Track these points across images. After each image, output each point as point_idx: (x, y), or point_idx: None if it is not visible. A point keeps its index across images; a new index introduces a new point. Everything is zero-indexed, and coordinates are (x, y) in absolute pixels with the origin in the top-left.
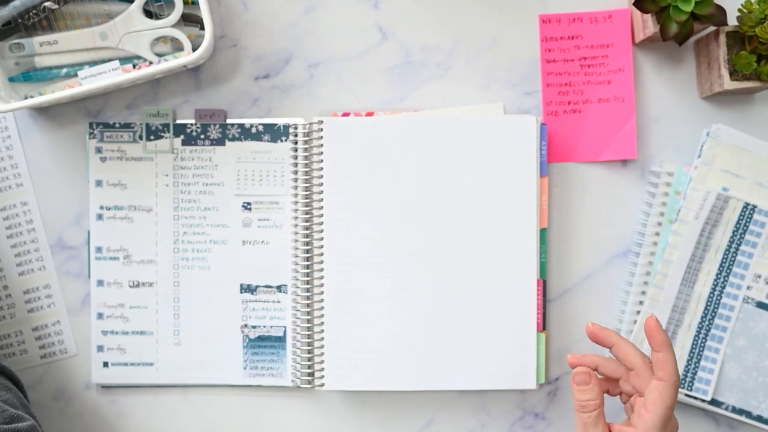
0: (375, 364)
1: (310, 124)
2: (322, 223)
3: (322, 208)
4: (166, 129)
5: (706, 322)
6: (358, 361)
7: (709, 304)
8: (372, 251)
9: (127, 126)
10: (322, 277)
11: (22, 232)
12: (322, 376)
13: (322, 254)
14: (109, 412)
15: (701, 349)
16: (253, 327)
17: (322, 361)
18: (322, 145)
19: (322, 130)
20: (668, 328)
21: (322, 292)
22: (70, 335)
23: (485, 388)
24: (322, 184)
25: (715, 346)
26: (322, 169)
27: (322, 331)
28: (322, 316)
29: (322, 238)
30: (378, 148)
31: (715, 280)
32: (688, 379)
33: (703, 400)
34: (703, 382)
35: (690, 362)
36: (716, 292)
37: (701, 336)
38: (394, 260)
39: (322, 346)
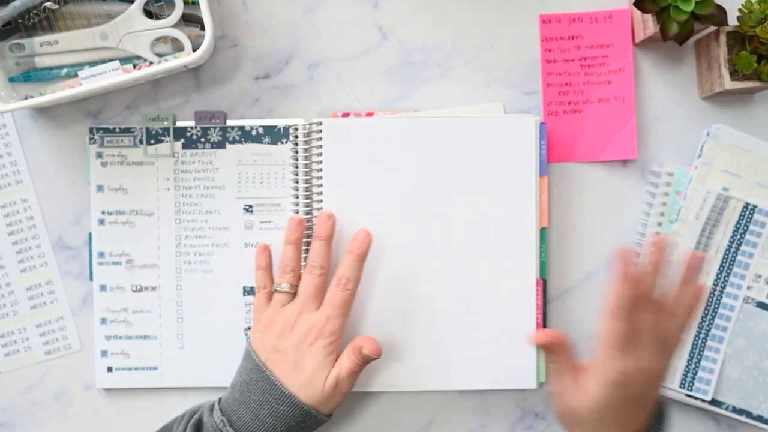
0: (375, 364)
1: (310, 124)
2: None
3: (322, 209)
4: (166, 133)
5: (707, 322)
6: None
7: (709, 304)
8: (372, 252)
9: (127, 130)
10: None
11: (23, 229)
12: None
13: None
14: (109, 413)
15: (701, 349)
16: None
17: None
18: (321, 146)
19: (321, 131)
20: None
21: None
22: (74, 330)
23: (485, 388)
24: (321, 185)
25: (716, 346)
26: (321, 170)
27: None
28: None
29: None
30: (378, 148)
31: (716, 280)
32: (688, 379)
33: (703, 400)
34: (703, 382)
35: (690, 362)
36: (716, 292)
37: (701, 336)
38: (394, 260)
39: None
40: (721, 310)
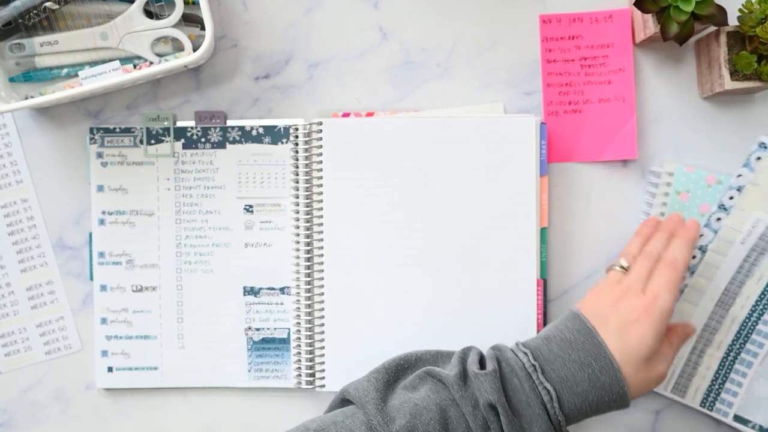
0: (376, 364)
1: (310, 125)
2: (322, 224)
3: (322, 209)
4: (166, 133)
5: (737, 346)
6: (358, 362)
7: (743, 328)
8: (372, 252)
9: (127, 130)
10: (322, 279)
11: (23, 229)
12: (323, 377)
13: (322, 255)
14: (109, 413)
15: (728, 371)
16: (257, 329)
17: (323, 362)
18: (321, 146)
19: (321, 131)
20: (696, 346)
21: (322, 294)
22: (74, 330)
23: None
24: (322, 185)
25: (743, 370)
26: (322, 170)
27: (323, 332)
28: (323, 317)
29: (322, 240)
30: (378, 148)
31: (754, 306)
32: (710, 399)
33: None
34: (725, 404)
35: (714, 382)
36: (753, 318)
37: (729, 360)
38: (394, 261)
39: (323, 347)
40: (754, 336)
